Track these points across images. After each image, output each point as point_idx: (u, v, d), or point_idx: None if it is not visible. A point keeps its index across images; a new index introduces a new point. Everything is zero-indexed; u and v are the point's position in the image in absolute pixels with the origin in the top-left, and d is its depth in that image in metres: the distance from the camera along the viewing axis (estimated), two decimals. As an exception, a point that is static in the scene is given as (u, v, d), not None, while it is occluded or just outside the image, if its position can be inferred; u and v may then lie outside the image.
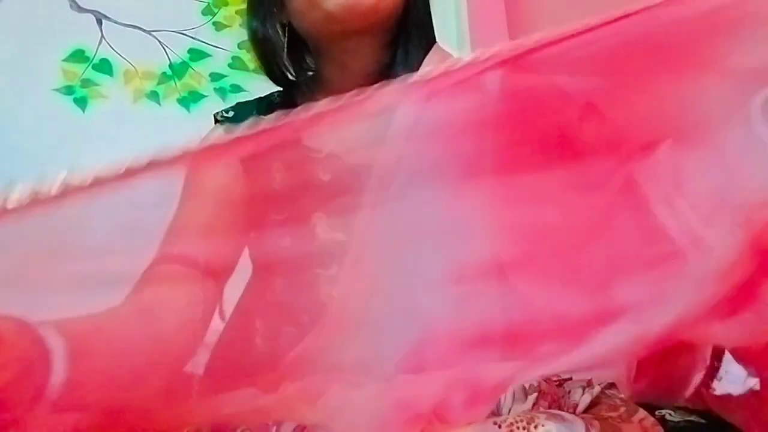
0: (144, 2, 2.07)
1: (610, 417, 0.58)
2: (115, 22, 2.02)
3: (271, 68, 0.78)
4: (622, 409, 0.58)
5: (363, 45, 0.70)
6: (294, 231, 0.70)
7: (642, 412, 0.57)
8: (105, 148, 1.96)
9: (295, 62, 0.78)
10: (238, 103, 0.83)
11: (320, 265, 0.69)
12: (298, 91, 0.80)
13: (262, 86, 2.32)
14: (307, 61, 0.77)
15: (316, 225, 0.70)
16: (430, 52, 0.77)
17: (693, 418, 0.54)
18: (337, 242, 0.68)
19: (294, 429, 0.59)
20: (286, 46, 0.74)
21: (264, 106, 0.80)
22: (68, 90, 1.97)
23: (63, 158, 1.92)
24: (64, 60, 1.97)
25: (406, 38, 0.73)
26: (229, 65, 2.09)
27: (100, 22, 2.02)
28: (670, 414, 0.55)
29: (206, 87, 2.07)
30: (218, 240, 0.74)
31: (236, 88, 2.07)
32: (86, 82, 1.98)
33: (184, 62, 2.06)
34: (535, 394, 0.59)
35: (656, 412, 0.55)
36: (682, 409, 0.58)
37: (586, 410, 0.60)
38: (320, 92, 0.75)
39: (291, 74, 0.77)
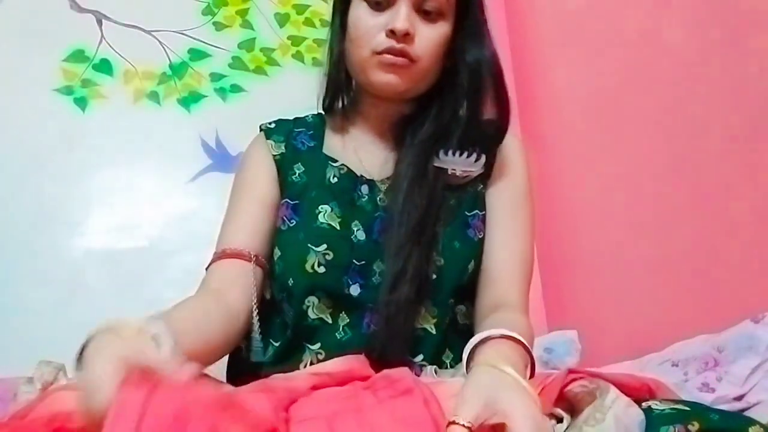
0: (144, 2, 2.08)
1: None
2: (115, 22, 2.03)
3: (329, 99, 0.96)
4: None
5: (389, 103, 0.91)
6: None
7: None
8: (105, 148, 1.97)
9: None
10: (278, 119, 0.98)
11: None
12: (332, 116, 0.97)
13: (262, 86, 2.29)
14: (349, 96, 0.96)
15: None
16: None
17: (679, 406, 0.55)
18: None
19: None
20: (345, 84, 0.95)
21: (300, 123, 0.97)
22: (68, 90, 1.97)
23: (63, 158, 1.94)
24: (64, 60, 1.98)
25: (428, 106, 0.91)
26: (229, 65, 2.10)
27: (100, 22, 2.02)
28: (655, 403, 0.56)
29: (206, 87, 2.07)
30: None
31: (236, 88, 2.08)
32: (86, 82, 1.98)
33: (184, 62, 2.07)
34: None
35: (641, 404, 0.56)
36: (668, 399, 0.59)
37: None
38: (348, 122, 0.96)
39: (340, 104, 0.96)
